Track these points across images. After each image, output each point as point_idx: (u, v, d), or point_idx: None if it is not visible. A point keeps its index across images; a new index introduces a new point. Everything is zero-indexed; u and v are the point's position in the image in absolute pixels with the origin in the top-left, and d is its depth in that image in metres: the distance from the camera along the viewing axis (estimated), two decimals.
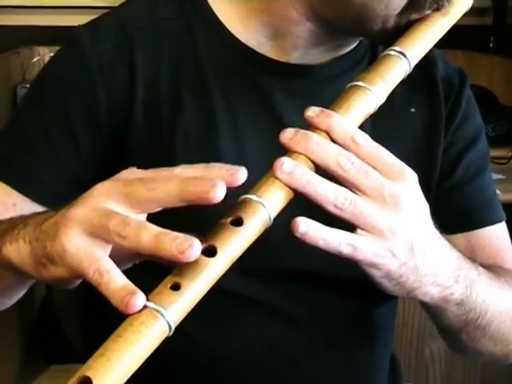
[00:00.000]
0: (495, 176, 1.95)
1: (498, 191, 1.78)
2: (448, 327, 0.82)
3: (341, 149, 0.63)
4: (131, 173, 0.59)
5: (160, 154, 0.83)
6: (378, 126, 0.86)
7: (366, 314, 0.93)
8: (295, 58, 0.86)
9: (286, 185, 0.61)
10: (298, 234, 0.61)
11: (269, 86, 0.85)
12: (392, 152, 0.68)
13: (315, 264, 0.83)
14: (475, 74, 2.21)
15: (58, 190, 0.84)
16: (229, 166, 0.56)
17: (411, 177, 0.66)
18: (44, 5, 2.37)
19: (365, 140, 0.64)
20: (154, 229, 0.53)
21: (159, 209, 0.55)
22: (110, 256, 0.55)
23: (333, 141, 0.64)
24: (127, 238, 0.53)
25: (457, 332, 0.82)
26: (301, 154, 0.63)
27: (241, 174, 0.55)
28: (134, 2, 0.90)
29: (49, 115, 0.85)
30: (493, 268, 0.86)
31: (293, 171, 0.61)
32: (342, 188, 0.63)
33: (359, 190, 0.63)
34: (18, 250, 0.61)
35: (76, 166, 0.84)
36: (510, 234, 0.98)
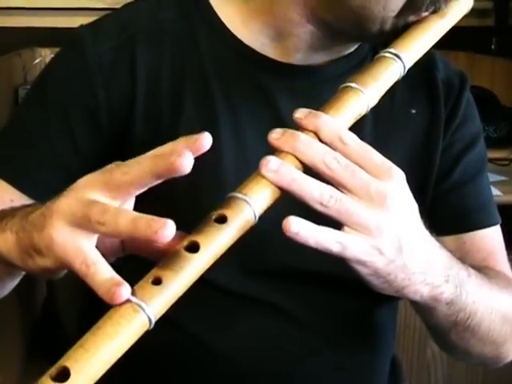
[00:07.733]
0: (497, 178, 1.94)
1: (499, 193, 1.79)
2: (437, 326, 0.82)
3: (327, 148, 0.64)
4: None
5: None
6: (378, 126, 0.87)
7: (366, 315, 0.93)
8: (297, 59, 0.86)
9: (272, 183, 0.61)
10: (289, 234, 0.61)
11: (271, 87, 0.86)
12: (392, 152, 0.68)
13: (316, 263, 0.83)
14: (477, 75, 2.21)
15: (56, 188, 0.83)
16: (193, 136, 0.56)
17: (399, 176, 0.66)
18: (46, 6, 2.37)
19: (352, 140, 0.65)
20: (131, 213, 0.54)
21: (137, 192, 0.56)
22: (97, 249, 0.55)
23: (321, 141, 0.64)
24: (106, 224, 0.53)
25: (446, 331, 0.82)
26: (288, 153, 0.63)
27: (204, 140, 0.55)
28: (136, 4, 0.91)
29: (48, 113, 0.85)
30: (484, 270, 0.86)
31: (278, 169, 0.61)
32: (328, 186, 0.63)
33: (346, 189, 0.64)
34: (4, 240, 0.62)
35: (75, 164, 0.84)
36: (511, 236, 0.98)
